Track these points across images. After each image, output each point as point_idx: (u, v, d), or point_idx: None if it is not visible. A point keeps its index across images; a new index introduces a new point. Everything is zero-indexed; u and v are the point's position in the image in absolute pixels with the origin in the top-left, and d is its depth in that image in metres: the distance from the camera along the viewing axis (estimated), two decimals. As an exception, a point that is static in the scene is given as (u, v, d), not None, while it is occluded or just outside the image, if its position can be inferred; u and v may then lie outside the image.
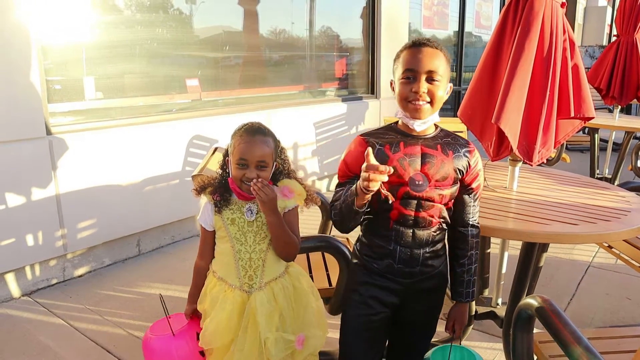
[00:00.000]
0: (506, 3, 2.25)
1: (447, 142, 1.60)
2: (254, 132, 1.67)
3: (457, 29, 8.50)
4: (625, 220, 2.04)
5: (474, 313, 2.62)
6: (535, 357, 1.73)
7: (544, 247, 2.51)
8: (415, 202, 1.55)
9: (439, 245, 1.66)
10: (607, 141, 5.77)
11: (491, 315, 2.71)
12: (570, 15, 14.27)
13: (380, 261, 1.63)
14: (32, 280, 3.26)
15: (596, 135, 5.47)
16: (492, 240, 2.96)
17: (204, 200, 1.77)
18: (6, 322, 2.89)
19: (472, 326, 2.67)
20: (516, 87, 2.08)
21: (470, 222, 1.69)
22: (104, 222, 3.54)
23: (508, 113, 2.08)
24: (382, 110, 6.15)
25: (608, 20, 17.40)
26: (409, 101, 1.53)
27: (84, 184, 3.38)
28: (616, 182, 5.22)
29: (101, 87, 3.66)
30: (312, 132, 5.28)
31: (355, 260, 1.73)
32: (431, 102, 1.53)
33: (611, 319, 2.95)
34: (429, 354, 1.69)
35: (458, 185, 1.61)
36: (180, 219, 4.08)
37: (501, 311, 2.67)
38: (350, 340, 1.71)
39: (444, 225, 1.64)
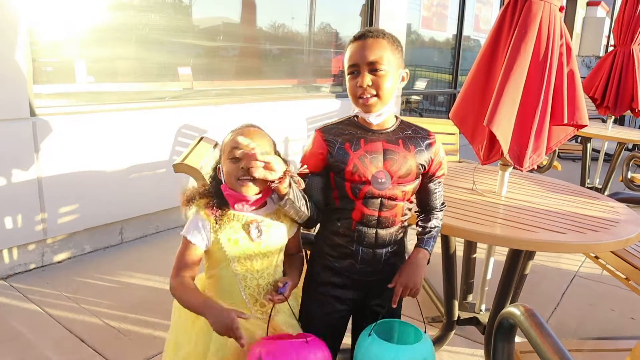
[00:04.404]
0: (504, 5, 2.22)
1: (409, 135, 1.57)
2: (248, 126, 1.52)
3: (455, 32, 8.48)
4: (613, 231, 2.01)
5: (456, 318, 2.59)
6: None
7: (530, 254, 2.47)
8: (379, 201, 1.52)
9: (400, 244, 1.64)
10: (599, 151, 5.77)
11: (474, 321, 2.67)
12: (569, 25, 14.32)
13: (341, 261, 1.59)
14: (9, 264, 3.18)
15: (588, 144, 5.46)
16: (478, 245, 2.93)
17: (192, 211, 1.50)
18: (-20, 306, 2.83)
19: (454, 331, 2.63)
20: (510, 90, 2.05)
21: (439, 207, 1.70)
22: (87, 208, 3.47)
23: (500, 116, 2.05)
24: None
25: (606, 32, 17.47)
26: (357, 97, 1.48)
27: (67, 168, 3.31)
28: (606, 193, 5.22)
29: (90, 70, 3.58)
30: (304, 127, 5.22)
31: (316, 258, 1.68)
32: (378, 95, 1.47)
33: (595, 330, 2.93)
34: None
35: (419, 179, 1.59)
36: (166, 209, 4.02)
37: (484, 317, 2.64)
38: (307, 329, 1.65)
39: (405, 224, 1.63)
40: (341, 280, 1.61)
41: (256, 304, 1.52)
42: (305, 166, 1.44)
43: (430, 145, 1.58)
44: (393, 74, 1.48)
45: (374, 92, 1.46)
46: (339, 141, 1.51)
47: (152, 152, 3.81)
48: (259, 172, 1.35)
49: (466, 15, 8.50)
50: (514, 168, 2.30)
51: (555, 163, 5.13)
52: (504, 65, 2.09)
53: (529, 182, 2.74)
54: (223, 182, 1.49)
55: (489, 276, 2.65)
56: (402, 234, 1.63)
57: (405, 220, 1.61)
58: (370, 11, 5.99)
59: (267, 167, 1.35)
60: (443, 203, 1.71)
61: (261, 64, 5.18)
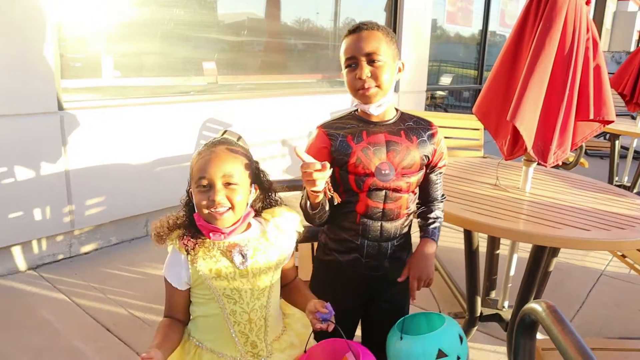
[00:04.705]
0: (529, -2, 2.18)
1: (410, 126, 1.56)
2: (214, 144, 1.35)
3: (481, 27, 8.37)
4: (640, 228, 1.97)
5: (479, 314, 2.58)
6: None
7: (554, 251, 2.44)
8: (383, 193, 1.51)
9: (405, 237, 1.63)
10: (627, 149, 5.64)
11: (496, 318, 2.65)
12: (599, 20, 14.02)
13: (347, 255, 1.58)
14: (38, 255, 3.27)
15: (617, 141, 5.34)
16: (502, 241, 2.90)
17: (170, 247, 1.35)
18: (10, 295, 2.91)
19: (476, 327, 2.62)
20: (534, 84, 2.02)
21: (439, 199, 1.69)
22: (113, 201, 3.54)
23: (524, 111, 2.02)
24: (400, 103, 6.07)
25: (637, 27, 17.03)
26: (357, 89, 1.49)
27: (94, 161, 3.38)
28: (635, 191, 5.11)
29: (116, 65, 3.64)
30: (327, 122, 5.23)
31: (321, 255, 1.68)
32: (378, 85, 1.47)
33: (620, 330, 2.87)
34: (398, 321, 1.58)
35: (424, 170, 1.59)
36: (190, 203, 4.07)
37: (507, 314, 2.62)
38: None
39: (411, 217, 1.62)
40: (347, 276, 1.60)
41: (247, 343, 1.35)
42: (331, 169, 1.43)
43: (432, 135, 1.57)
44: (390, 65, 1.49)
45: (374, 84, 1.47)
46: (341, 134, 1.51)
47: (177, 146, 3.86)
48: (321, 186, 1.32)
49: (492, 10, 8.39)
50: (538, 164, 2.27)
51: (582, 160, 5.03)
52: (528, 59, 2.06)
53: (554, 178, 2.70)
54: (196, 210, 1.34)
55: (512, 273, 2.62)
56: (407, 228, 1.62)
57: (411, 214, 1.61)
58: (394, 6, 5.95)
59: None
60: (443, 195, 1.71)
61: (285, 59, 5.20)
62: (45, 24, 3.01)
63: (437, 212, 1.68)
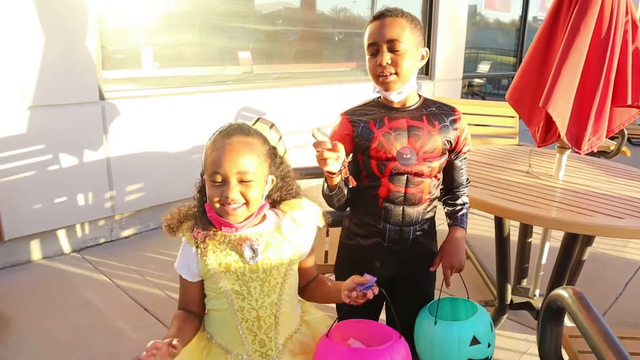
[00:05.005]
0: (565, -19, 2.14)
1: (432, 112, 1.56)
2: (229, 133, 1.25)
3: (520, 13, 8.17)
4: (677, 217, 1.92)
5: (509, 302, 2.56)
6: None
7: (588, 240, 2.40)
8: (405, 177, 1.52)
9: (429, 223, 1.63)
10: (674, 136, 5.44)
11: (527, 306, 2.64)
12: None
13: (369, 239, 1.60)
14: (81, 238, 3.41)
15: (662, 129, 5.16)
16: (534, 229, 2.87)
17: (183, 239, 1.33)
18: (57, 276, 3.06)
19: (506, 315, 2.61)
20: (568, 70, 1.98)
21: (464, 184, 1.70)
22: (151, 187, 3.65)
23: (557, 97, 1.99)
24: (435, 91, 6.01)
25: (690, 9, 16.22)
26: (377, 75, 1.50)
27: (133, 149, 3.49)
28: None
29: (154, 56, 3.74)
30: (361, 111, 5.22)
31: (345, 239, 1.70)
32: (397, 73, 1.47)
33: (658, 321, 2.81)
34: (427, 305, 1.60)
35: (446, 155, 1.58)
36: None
37: (538, 303, 2.60)
38: (344, 315, 1.68)
39: (434, 203, 1.62)
40: (370, 261, 1.61)
41: (255, 341, 1.29)
42: (351, 155, 1.45)
43: (454, 121, 1.57)
44: (412, 53, 1.49)
45: (393, 71, 1.47)
46: (364, 120, 1.53)
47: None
48: (334, 166, 1.32)
49: (532, -6, 8.17)
50: (572, 151, 2.24)
51: (624, 148, 4.87)
52: (562, 44, 2.03)
53: (589, 165, 2.65)
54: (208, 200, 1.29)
55: (544, 261, 2.59)
56: (430, 213, 1.62)
57: (434, 199, 1.61)
58: (431, -7, 5.88)
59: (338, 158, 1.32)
60: (468, 179, 1.71)
61: (320, 48, 5.21)
62: (87, 17, 3.12)
63: (463, 198, 1.69)
